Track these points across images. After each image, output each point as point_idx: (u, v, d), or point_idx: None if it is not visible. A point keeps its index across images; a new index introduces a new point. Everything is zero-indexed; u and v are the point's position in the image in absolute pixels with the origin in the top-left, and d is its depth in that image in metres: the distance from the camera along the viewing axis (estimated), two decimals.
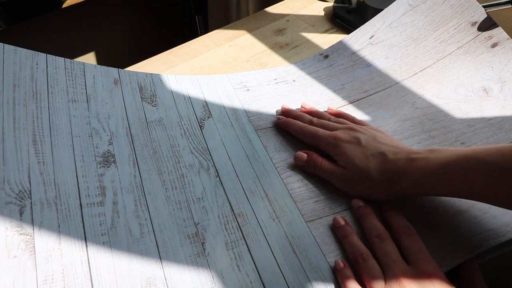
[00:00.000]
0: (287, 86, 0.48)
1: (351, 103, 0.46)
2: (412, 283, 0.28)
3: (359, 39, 0.51)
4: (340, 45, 0.51)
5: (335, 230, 0.33)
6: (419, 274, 0.28)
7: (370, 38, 0.51)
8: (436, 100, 0.44)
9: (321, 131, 0.39)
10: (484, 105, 0.42)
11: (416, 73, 0.47)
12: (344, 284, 0.30)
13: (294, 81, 0.48)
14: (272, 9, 0.66)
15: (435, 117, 0.42)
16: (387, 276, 0.29)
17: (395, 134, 0.41)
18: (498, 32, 0.46)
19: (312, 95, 0.47)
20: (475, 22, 0.47)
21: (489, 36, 0.46)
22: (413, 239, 0.31)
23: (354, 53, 0.50)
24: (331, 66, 0.50)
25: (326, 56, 0.51)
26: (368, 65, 0.49)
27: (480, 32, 0.46)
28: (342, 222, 0.33)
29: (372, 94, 0.46)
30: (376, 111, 0.45)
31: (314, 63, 0.51)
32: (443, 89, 0.45)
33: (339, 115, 0.42)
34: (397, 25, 0.51)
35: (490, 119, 0.41)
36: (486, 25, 0.46)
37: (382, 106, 0.45)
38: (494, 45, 0.46)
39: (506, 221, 0.33)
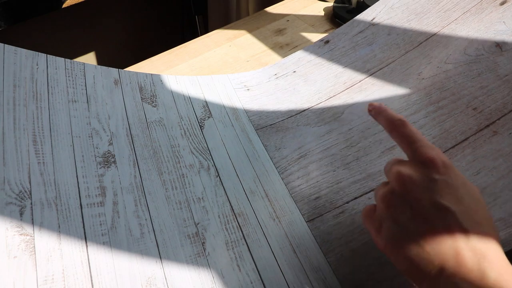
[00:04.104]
0: (288, 78, 0.47)
1: (353, 85, 0.43)
2: (414, 173, 0.25)
3: (360, 23, 0.49)
4: (341, 30, 0.49)
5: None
6: (421, 163, 0.25)
7: (372, 20, 0.49)
8: (443, 67, 0.40)
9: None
10: (498, 61, 0.38)
11: (421, 43, 0.44)
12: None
13: (294, 72, 0.47)
14: (272, 9, 0.66)
15: (443, 85, 0.39)
16: (387, 175, 0.27)
17: (401, 111, 0.39)
18: None
19: (313, 83, 0.45)
20: None
21: None
22: (406, 130, 0.27)
23: (355, 35, 0.48)
24: (332, 50, 0.48)
25: (327, 42, 0.49)
26: (370, 43, 0.47)
27: None
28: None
29: (375, 72, 0.44)
30: (379, 90, 0.42)
31: (314, 50, 0.49)
32: (450, 54, 0.41)
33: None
34: (399, 6, 0.48)
35: (506, 75, 0.37)
36: None
37: (385, 83, 0.42)
38: (502, 3, 0.42)
39: None
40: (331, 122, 0.41)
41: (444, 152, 0.35)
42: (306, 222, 0.34)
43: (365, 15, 0.49)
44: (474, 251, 0.23)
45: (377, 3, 0.50)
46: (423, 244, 0.23)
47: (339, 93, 0.44)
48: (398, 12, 0.48)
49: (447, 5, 0.46)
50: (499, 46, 0.39)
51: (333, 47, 0.48)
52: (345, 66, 0.46)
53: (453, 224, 0.23)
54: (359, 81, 0.44)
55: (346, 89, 0.44)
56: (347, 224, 0.34)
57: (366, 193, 0.35)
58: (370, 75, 0.44)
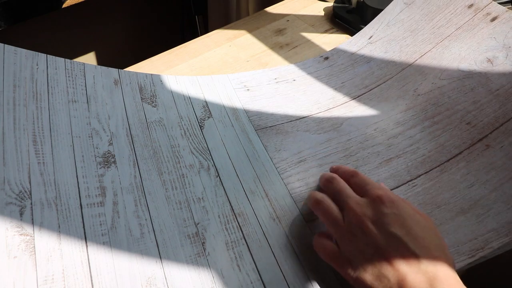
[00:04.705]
0: (288, 85, 0.48)
1: (352, 99, 0.45)
2: (366, 209, 0.29)
3: (359, 41, 0.51)
4: (340, 48, 0.52)
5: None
6: (371, 201, 0.30)
7: (369, 38, 0.51)
8: (438, 83, 0.42)
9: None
10: (489, 77, 0.40)
11: (416, 60, 0.46)
12: (315, 240, 0.32)
13: (294, 80, 0.48)
14: (272, 9, 0.66)
15: (438, 100, 0.41)
16: (344, 211, 0.30)
17: (398, 126, 0.40)
18: (496, 7, 0.44)
19: (313, 94, 0.47)
20: (471, 5, 0.46)
21: (487, 13, 0.45)
22: (358, 178, 0.33)
23: (353, 53, 0.50)
24: (331, 66, 0.50)
25: (326, 58, 0.51)
26: (368, 61, 0.49)
27: (477, 11, 0.45)
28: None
29: (373, 88, 0.46)
30: (377, 105, 0.44)
31: (314, 64, 0.51)
32: (444, 70, 0.43)
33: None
34: (395, 23, 0.51)
35: (497, 89, 0.38)
36: (483, 5, 0.45)
37: (383, 99, 0.44)
38: (493, 19, 0.44)
39: (509, 219, 0.31)
40: (330, 131, 0.42)
41: (439, 166, 0.36)
42: (306, 222, 0.34)
43: (363, 34, 0.52)
44: (424, 273, 0.25)
45: (374, 20, 0.52)
46: (374, 269, 0.26)
47: (338, 105, 0.45)
48: (394, 29, 0.50)
49: (440, 22, 0.47)
50: (490, 61, 0.41)
51: (332, 63, 0.50)
52: (344, 82, 0.48)
53: (403, 250, 0.26)
54: (358, 96, 0.46)
55: (345, 102, 0.45)
56: None
57: None
58: (369, 90, 0.46)
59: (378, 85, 0.46)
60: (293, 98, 0.46)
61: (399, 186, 0.36)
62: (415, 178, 0.36)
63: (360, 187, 0.32)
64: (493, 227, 0.31)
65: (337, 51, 0.51)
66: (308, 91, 0.47)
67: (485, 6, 0.45)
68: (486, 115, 0.37)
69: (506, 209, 0.32)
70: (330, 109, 0.45)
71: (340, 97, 0.46)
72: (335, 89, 0.47)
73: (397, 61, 0.47)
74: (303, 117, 0.44)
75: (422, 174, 0.36)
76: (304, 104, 0.46)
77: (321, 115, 0.44)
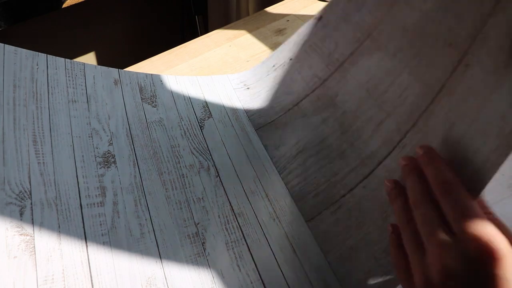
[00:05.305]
0: (284, 68, 0.47)
1: (345, 61, 0.43)
2: (455, 262, 0.21)
3: None
4: (333, 1, 0.48)
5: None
6: (463, 248, 0.21)
7: None
8: (423, 7, 0.38)
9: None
10: None
11: None
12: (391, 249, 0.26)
13: (290, 59, 0.47)
14: (272, 9, 0.66)
15: (424, 30, 0.37)
16: (427, 252, 0.22)
17: (388, 76, 0.39)
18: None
19: (309, 69, 0.45)
20: None
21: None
22: (452, 198, 0.23)
23: (347, 3, 0.46)
24: (325, 27, 0.47)
25: (320, 18, 0.48)
26: (359, 9, 0.45)
27: None
28: (390, 186, 0.28)
29: (364, 40, 0.43)
30: (369, 59, 0.41)
31: (308, 30, 0.48)
32: None
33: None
34: None
35: None
36: None
37: (375, 48, 0.41)
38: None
39: (485, 156, 0.28)
40: (327, 107, 0.41)
41: (424, 111, 0.33)
42: (306, 222, 0.34)
43: None
44: None
45: None
46: None
47: (332, 72, 0.43)
48: None
49: None
50: None
51: (326, 22, 0.47)
52: (337, 41, 0.45)
53: None
54: (350, 54, 0.43)
55: (339, 66, 0.43)
56: (345, 219, 0.34)
57: (361, 181, 0.35)
58: (360, 44, 0.43)
59: (369, 34, 0.42)
60: (290, 81, 0.45)
61: (390, 152, 0.35)
62: (404, 137, 0.35)
63: (454, 211, 0.22)
64: (482, 160, 0.28)
65: (330, 6, 0.48)
66: (304, 66, 0.45)
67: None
68: (466, 27, 0.33)
69: (483, 145, 0.28)
70: (325, 80, 0.44)
71: (334, 62, 0.44)
72: (329, 54, 0.45)
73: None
74: (300, 101, 0.43)
75: (410, 129, 0.34)
76: (301, 84, 0.45)
77: (317, 91, 0.43)
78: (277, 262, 0.32)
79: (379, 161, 0.36)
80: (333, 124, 0.40)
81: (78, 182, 0.33)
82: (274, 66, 0.48)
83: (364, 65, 0.42)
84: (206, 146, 0.40)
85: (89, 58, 1.11)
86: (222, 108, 0.44)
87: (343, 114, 0.41)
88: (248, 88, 0.46)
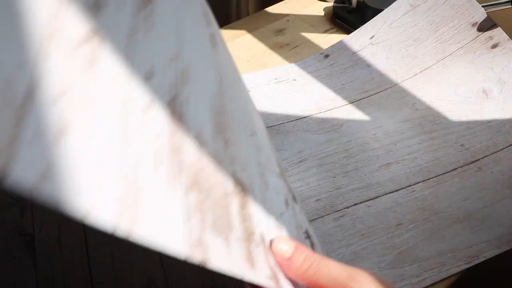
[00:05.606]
0: (288, 85, 0.48)
1: (351, 103, 0.46)
2: None
3: (360, 39, 0.51)
4: (341, 45, 0.51)
5: None
6: None
7: (371, 38, 0.51)
8: (436, 102, 0.44)
9: None
10: (484, 107, 0.43)
11: (416, 74, 0.47)
12: None
13: (294, 80, 0.48)
14: (272, 9, 0.66)
15: (435, 118, 0.42)
16: None
17: (396, 134, 0.41)
18: (499, 33, 0.46)
19: (312, 95, 0.47)
20: (476, 23, 0.47)
21: (489, 37, 0.46)
22: None
23: (354, 53, 0.50)
24: (332, 66, 0.50)
25: (327, 56, 0.51)
26: (368, 65, 0.49)
27: (480, 33, 0.46)
28: None
29: (373, 94, 0.46)
30: (376, 111, 0.45)
31: (314, 63, 0.51)
32: (442, 90, 0.45)
33: None
34: (398, 25, 0.50)
35: (489, 121, 0.41)
36: (487, 26, 0.46)
37: (382, 106, 0.45)
38: (494, 46, 0.46)
39: (500, 234, 0.33)
40: (331, 132, 0.42)
41: (435, 177, 0.38)
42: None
43: (365, 31, 0.51)
44: None
45: (376, 17, 0.52)
46: None
47: (338, 107, 0.46)
48: (397, 33, 0.50)
49: (443, 36, 0.48)
50: (486, 92, 0.43)
51: (333, 62, 0.50)
52: (344, 84, 0.48)
53: None
54: (358, 100, 0.46)
55: (345, 104, 0.46)
56: (348, 227, 0.34)
57: (366, 201, 0.36)
58: (368, 96, 0.46)
59: (378, 92, 0.47)
60: (293, 98, 0.46)
61: (398, 190, 0.37)
62: (413, 184, 0.37)
63: None
64: (486, 238, 0.32)
65: (337, 49, 0.51)
66: (308, 91, 0.47)
67: (488, 29, 0.46)
68: (478, 142, 0.40)
69: (497, 225, 0.33)
70: (330, 110, 0.45)
71: (340, 99, 0.46)
72: (335, 90, 0.47)
73: (397, 71, 0.48)
74: (304, 117, 0.44)
75: (420, 182, 0.37)
76: (305, 104, 0.46)
77: (321, 115, 0.44)
78: None
79: (385, 192, 0.37)
80: (337, 147, 0.41)
81: None
82: (276, 79, 0.49)
83: (372, 114, 0.45)
84: None
85: None
86: None
87: (348, 142, 0.42)
88: (248, 91, 0.47)
